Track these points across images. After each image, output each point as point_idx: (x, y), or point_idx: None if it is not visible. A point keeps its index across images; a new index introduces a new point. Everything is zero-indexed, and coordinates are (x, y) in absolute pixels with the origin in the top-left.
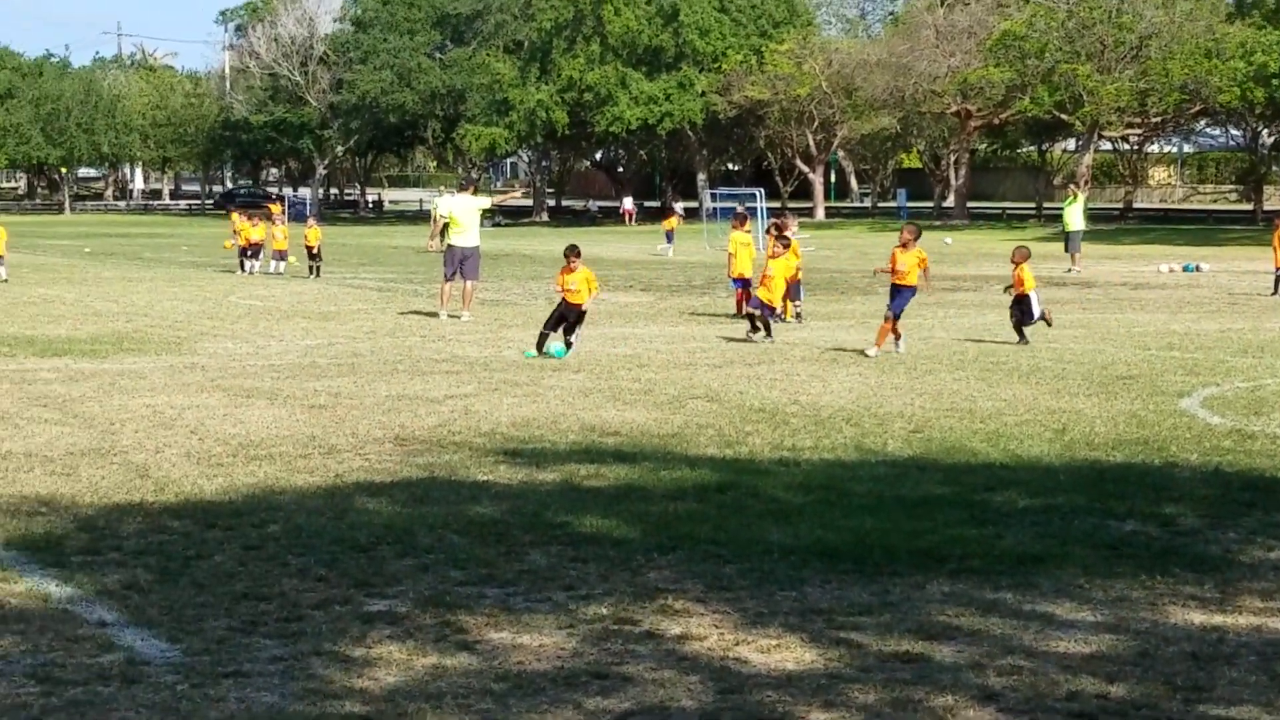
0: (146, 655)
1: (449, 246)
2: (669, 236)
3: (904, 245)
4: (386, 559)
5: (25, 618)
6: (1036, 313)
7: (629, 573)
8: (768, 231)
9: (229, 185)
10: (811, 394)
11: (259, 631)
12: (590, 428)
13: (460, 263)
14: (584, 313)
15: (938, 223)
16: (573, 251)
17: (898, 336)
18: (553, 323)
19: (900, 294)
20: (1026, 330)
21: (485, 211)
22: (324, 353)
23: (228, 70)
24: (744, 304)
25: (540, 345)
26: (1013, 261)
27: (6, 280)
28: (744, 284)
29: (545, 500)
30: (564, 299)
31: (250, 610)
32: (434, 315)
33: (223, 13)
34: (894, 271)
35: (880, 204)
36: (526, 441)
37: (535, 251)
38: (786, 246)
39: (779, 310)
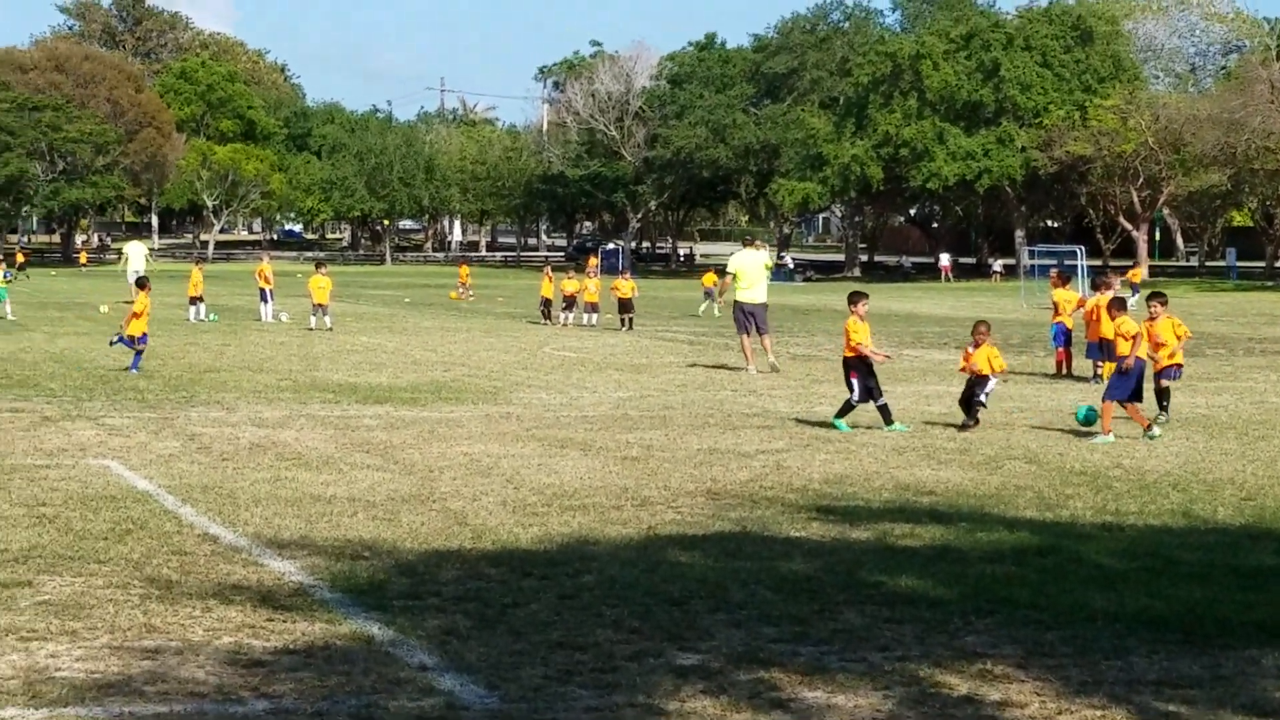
0: (465, 700)
1: (735, 303)
2: (1134, 289)
3: (1153, 319)
4: (699, 613)
5: (349, 659)
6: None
7: (946, 635)
8: (1095, 287)
9: (578, 237)
10: (1135, 458)
11: (574, 681)
12: (904, 486)
13: (751, 318)
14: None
15: (1269, 284)
16: (985, 327)
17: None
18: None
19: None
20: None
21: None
22: (636, 405)
23: (545, 125)
24: (1064, 364)
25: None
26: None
27: (331, 329)
28: (1065, 338)
29: (859, 558)
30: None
31: (565, 659)
32: (742, 369)
33: (542, 69)
34: (1156, 347)
35: (1208, 263)
36: (839, 498)
37: (846, 308)
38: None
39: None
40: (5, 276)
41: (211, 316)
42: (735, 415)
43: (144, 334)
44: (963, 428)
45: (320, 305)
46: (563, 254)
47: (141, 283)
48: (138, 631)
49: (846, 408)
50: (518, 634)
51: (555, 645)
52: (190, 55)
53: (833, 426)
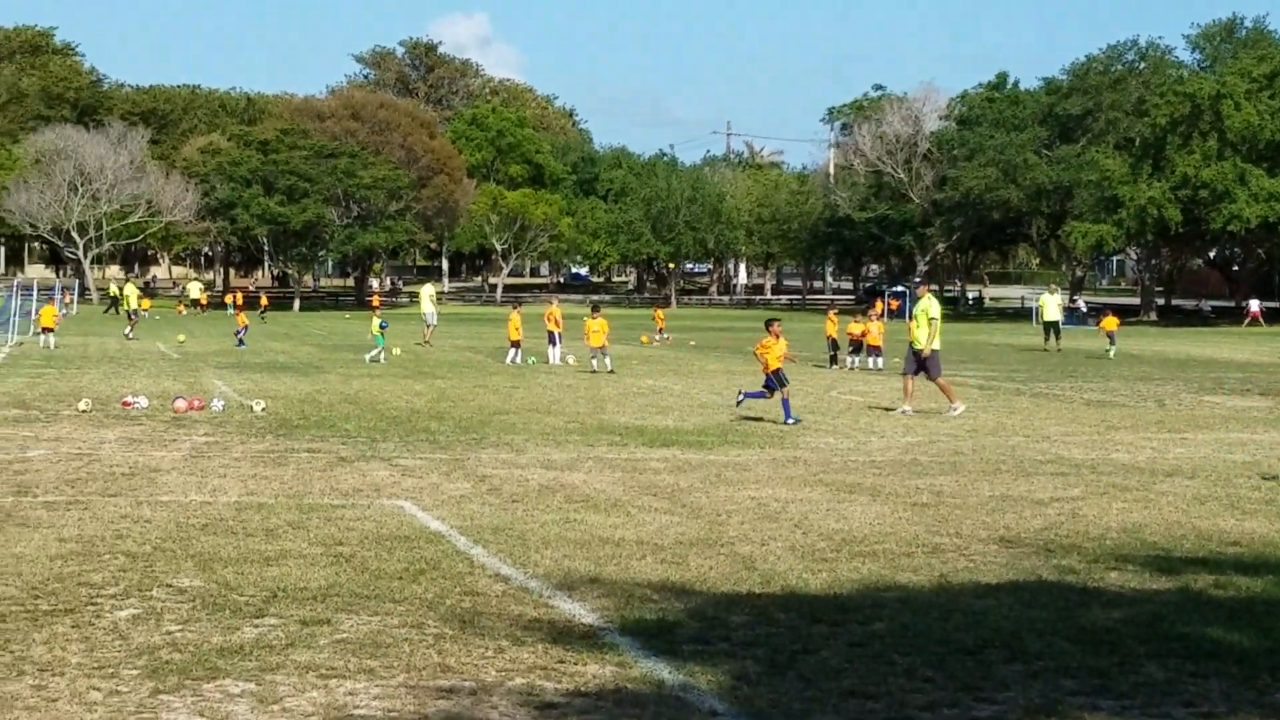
0: None
1: (935, 351)
2: None
3: None
4: (994, 663)
5: (641, 702)
6: None
7: (1254, 691)
8: None
9: (868, 281)
10: None
11: None
12: (1206, 536)
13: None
14: None
15: None
16: None
17: None
18: None
19: None
20: None
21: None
22: (925, 450)
23: (832, 168)
24: None
25: None
26: None
27: (612, 371)
28: None
29: (1160, 610)
30: None
31: (857, 708)
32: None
33: (830, 111)
34: None
35: None
36: (1138, 548)
37: (1142, 351)
38: None
39: None
40: (382, 325)
41: (531, 360)
42: (1028, 461)
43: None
44: None
45: (598, 348)
46: (853, 297)
47: (769, 324)
48: (432, 671)
49: None
50: (808, 681)
51: (847, 693)
52: (481, 101)
53: None
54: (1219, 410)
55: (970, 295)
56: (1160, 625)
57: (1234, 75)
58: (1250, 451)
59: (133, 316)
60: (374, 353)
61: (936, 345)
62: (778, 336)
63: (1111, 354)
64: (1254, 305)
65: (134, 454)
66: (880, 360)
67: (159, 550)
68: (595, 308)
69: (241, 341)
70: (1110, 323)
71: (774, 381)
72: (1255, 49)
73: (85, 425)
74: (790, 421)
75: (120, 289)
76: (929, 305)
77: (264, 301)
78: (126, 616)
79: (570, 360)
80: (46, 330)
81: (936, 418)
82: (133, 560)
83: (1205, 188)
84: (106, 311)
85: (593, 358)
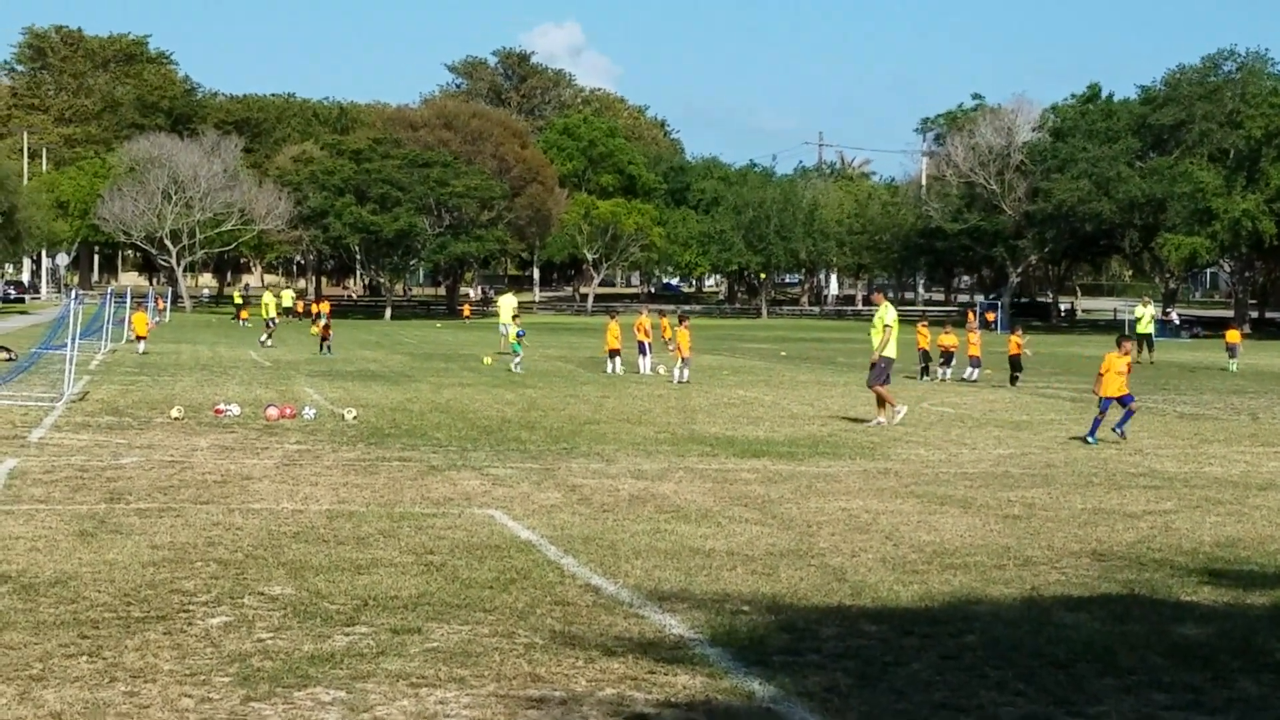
0: None
1: (888, 358)
2: None
3: None
4: (1087, 676)
5: (731, 714)
6: None
7: None
8: None
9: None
10: None
11: None
12: None
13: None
14: None
15: None
16: None
17: None
18: None
19: None
20: None
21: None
22: (1017, 462)
23: (924, 179)
24: None
25: None
26: None
27: (685, 382)
28: None
29: (1254, 625)
30: None
31: None
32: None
33: (924, 121)
34: None
35: None
36: (1232, 562)
37: (1235, 364)
38: None
39: None
40: (520, 334)
41: (621, 369)
42: (1120, 474)
43: (1129, 394)
44: None
45: (684, 358)
46: (956, 308)
47: (1124, 341)
48: (523, 680)
49: None
50: (900, 693)
51: (938, 706)
52: (573, 111)
53: None
54: None
55: (1063, 307)
56: (1254, 640)
57: None
58: None
59: (270, 325)
60: (516, 362)
61: (891, 353)
62: (1126, 354)
63: (1233, 368)
64: None
65: (226, 462)
66: (977, 372)
67: (250, 558)
68: (681, 318)
69: (329, 349)
70: (1233, 335)
71: (1129, 399)
72: None
73: (178, 433)
74: (1090, 440)
75: (248, 297)
76: (884, 313)
77: (324, 308)
78: (218, 624)
79: (660, 370)
80: (140, 338)
81: (1029, 429)
82: (224, 568)
83: None
84: (234, 319)
85: (676, 367)
